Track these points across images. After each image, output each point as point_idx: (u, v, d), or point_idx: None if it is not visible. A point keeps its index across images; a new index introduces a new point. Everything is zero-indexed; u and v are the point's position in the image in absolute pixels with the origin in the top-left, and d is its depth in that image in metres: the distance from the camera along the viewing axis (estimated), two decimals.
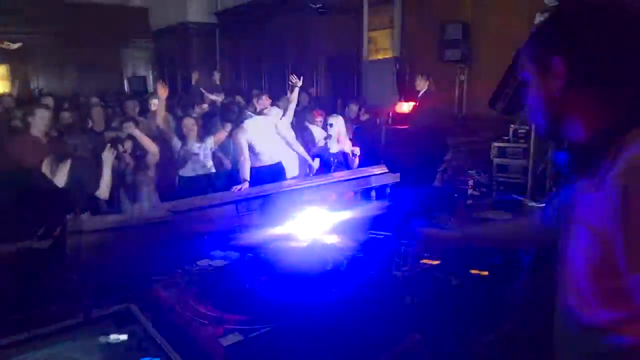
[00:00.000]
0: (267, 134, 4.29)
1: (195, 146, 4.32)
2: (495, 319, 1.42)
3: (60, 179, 2.88)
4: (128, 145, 4.03)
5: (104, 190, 3.35)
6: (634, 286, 0.83)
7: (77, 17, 11.61)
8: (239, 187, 3.76)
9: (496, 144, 4.99)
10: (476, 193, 3.29)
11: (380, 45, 8.30)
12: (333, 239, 1.90)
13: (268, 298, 1.12)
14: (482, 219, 1.82)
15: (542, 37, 1.00)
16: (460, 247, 1.45)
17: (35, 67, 11.84)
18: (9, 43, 10.75)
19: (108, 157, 3.40)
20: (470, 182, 4.70)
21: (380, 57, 8.18)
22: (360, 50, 8.42)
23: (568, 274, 0.99)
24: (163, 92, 4.46)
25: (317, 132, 4.90)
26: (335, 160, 4.71)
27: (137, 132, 4.12)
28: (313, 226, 2.06)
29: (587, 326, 0.93)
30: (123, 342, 1.00)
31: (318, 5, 8.14)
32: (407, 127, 5.79)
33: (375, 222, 2.20)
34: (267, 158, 4.26)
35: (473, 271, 1.48)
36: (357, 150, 4.75)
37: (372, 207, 2.64)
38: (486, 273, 1.42)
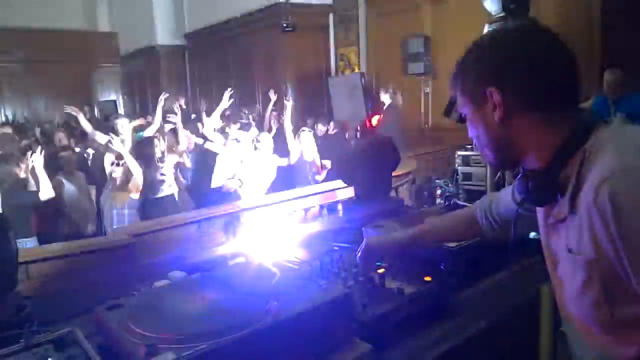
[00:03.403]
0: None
1: (159, 166, 4.30)
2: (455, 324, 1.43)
3: None
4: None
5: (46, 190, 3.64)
6: None
7: (44, 44, 11.50)
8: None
9: (460, 153, 5.09)
10: (443, 203, 3.33)
11: (349, 62, 8.46)
12: (291, 253, 1.91)
13: (204, 317, 1.12)
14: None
15: (471, 70, 0.97)
16: (404, 251, 1.47)
17: (2, 95, 11.64)
18: None
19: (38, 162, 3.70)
20: (438, 192, 4.77)
21: (348, 72, 8.33)
22: (328, 68, 8.55)
23: (575, 310, 0.94)
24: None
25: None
26: (313, 168, 4.76)
27: (126, 153, 4.10)
28: (274, 242, 2.06)
29: None
30: None
31: (285, 24, 8.25)
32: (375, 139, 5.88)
33: (338, 235, 2.22)
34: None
35: (426, 278, 1.50)
36: (328, 163, 4.80)
37: (336, 220, 2.65)
38: (429, 279, 1.44)
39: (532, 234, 1.66)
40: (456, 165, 4.86)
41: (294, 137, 4.72)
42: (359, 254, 1.52)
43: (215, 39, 10.21)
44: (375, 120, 6.43)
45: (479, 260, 1.53)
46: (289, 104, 4.91)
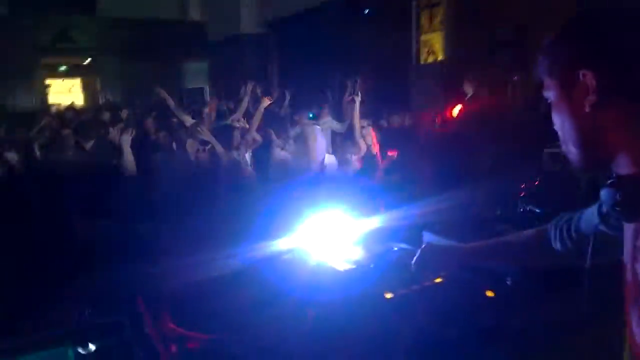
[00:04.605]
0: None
1: (234, 153, 4.41)
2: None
3: None
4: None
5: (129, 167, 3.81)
6: None
7: (141, 33, 12.32)
8: None
9: (548, 150, 4.66)
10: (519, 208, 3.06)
11: (432, 49, 8.11)
12: (349, 252, 1.84)
13: (238, 318, 1.09)
14: (497, 232, 1.68)
15: (564, 48, 0.84)
16: (465, 263, 1.33)
17: (103, 81, 12.69)
18: None
19: (126, 140, 3.86)
20: (522, 192, 4.40)
21: (431, 60, 7.99)
22: (409, 55, 8.27)
23: None
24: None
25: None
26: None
27: (213, 139, 4.27)
28: (333, 239, 2.00)
29: None
30: (92, 354, 1.01)
31: (367, 10, 8.10)
32: (453, 131, 5.59)
33: (399, 232, 2.11)
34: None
35: (489, 293, 1.36)
36: (394, 155, 4.63)
37: (398, 216, 2.52)
38: (492, 294, 1.29)
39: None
40: (543, 163, 4.47)
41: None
42: (415, 259, 1.41)
43: (297, 27, 10.29)
44: (456, 110, 6.12)
45: (551, 278, 1.36)
46: (357, 99, 4.78)
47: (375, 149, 4.60)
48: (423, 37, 8.08)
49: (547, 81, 0.87)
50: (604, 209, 0.85)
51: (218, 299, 1.22)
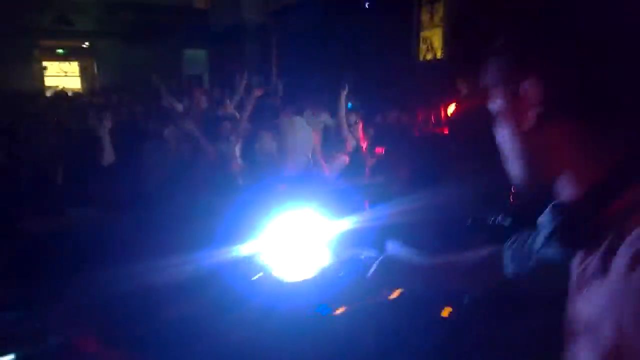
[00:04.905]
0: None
1: (223, 145, 4.33)
2: None
3: None
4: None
5: (107, 156, 3.63)
6: None
7: (142, 17, 12.20)
8: None
9: None
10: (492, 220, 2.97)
11: (432, 45, 8.01)
12: (306, 258, 1.77)
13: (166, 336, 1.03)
14: (467, 244, 1.61)
15: (510, 54, 0.76)
16: (422, 281, 1.27)
17: (100, 64, 12.59)
18: None
19: (104, 126, 3.67)
20: (511, 197, 4.32)
21: (430, 57, 7.89)
22: (409, 50, 8.17)
23: None
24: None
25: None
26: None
27: (195, 129, 4.18)
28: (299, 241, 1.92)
29: None
30: None
31: (367, 3, 7.98)
32: (445, 131, 5.49)
33: (370, 236, 2.04)
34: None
35: (445, 310, 1.29)
36: (381, 152, 4.56)
37: (372, 218, 2.45)
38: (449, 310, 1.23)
39: None
40: None
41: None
42: (371, 273, 1.35)
43: (298, 18, 10.19)
44: (450, 109, 6.01)
45: (512, 299, 1.29)
46: (343, 92, 4.68)
47: (364, 145, 4.53)
48: (423, 33, 7.98)
49: (492, 90, 0.79)
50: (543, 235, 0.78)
51: (165, 309, 1.15)
